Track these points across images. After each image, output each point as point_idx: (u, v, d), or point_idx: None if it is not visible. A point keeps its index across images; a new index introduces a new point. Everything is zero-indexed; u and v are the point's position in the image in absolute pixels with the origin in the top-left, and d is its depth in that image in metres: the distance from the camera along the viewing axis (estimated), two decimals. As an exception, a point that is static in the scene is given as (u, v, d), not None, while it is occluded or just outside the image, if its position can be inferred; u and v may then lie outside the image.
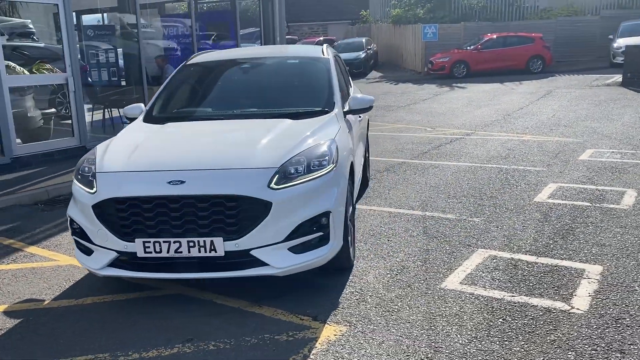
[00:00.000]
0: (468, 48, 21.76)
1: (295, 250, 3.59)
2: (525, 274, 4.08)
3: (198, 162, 3.65)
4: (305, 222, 3.57)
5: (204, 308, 3.77)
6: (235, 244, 3.45)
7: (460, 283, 3.98)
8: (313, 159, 3.78)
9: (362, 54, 24.43)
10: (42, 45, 12.32)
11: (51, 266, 4.73)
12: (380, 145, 9.81)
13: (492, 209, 5.71)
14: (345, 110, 4.81)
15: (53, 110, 8.88)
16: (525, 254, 4.46)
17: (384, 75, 24.46)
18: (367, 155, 7.07)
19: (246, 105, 4.80)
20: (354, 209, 4.62)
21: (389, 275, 4.16)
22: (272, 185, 3.50)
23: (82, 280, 4.36)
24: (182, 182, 3.47)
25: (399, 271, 4.24)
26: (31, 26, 12.69)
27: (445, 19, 24.08)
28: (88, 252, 3.77)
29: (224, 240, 3.44)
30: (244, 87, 5.12)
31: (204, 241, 3.43)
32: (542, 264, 4.25)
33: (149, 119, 4.75)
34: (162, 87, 5.16)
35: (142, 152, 3.89)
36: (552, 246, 4.60)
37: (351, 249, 4.36)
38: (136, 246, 3.50)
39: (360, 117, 5.58)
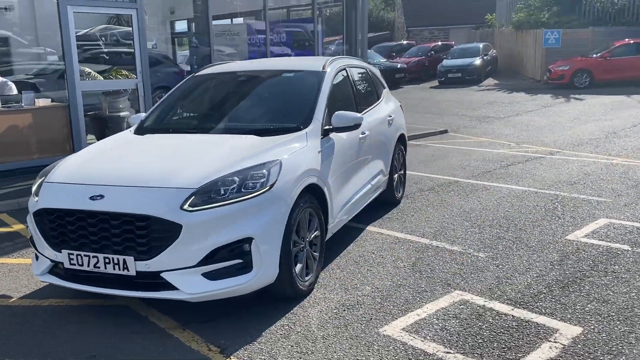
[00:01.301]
0: (594, 55, 19.74)
1: (210, 276, 3.41)
2: (484, 327, 3.53)
3: (121, 178, 3.61)
4: (221, 247, 3.39)
5: (134, 325, 3.73)
6: (146, 265, 3.36)
7: (403, 329, 3.54)
8: (248, 179, 3.59)
9: (476, 60, 23.23)
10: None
11: (46, 264, 5.00)
12: (446, 160, 9.21)
13: (509, 244, 5.05)
14: (327, 127, 4.52)
15: (126, 113, 9.48)
16: (504, 303, 3.86)
17: (499, 82, 23.04)
18: (401, 172, 6.66)
19: (227, 120, 4.71)
20: (323, 233, 4.31)
21: (335, 311, 3.83)
22: (186, 206, 3.36)
23: (56, 281, 4.54)
24: (102, 196, 3.47)
25: (350, 307, 3.88)
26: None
27: (572, 24, 22.07)
28: (37, 257, 3.92)
29: (135, 260, 3.37)
30: (231, 101, 5.03)
31: (118, 259, 3.40)
32: (513, 316, 3.65)
33: (138, 129, 4.84)
34: (163, 97, 5.25)
35: (88, 164, 3.96)
36: (542, 296, 3.94)
37: (309, 277, 4.09)
38: (63, 257, 3.57)
39: (365, 132, 5.23)
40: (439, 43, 28.44)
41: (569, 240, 5.11)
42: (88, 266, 3.49)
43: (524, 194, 6.84)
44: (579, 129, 12.18)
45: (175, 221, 3.31)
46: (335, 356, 3.25)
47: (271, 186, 3.60)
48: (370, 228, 5.66)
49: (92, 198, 3.48)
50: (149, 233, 3.35)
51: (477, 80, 23.00)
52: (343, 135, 4.77)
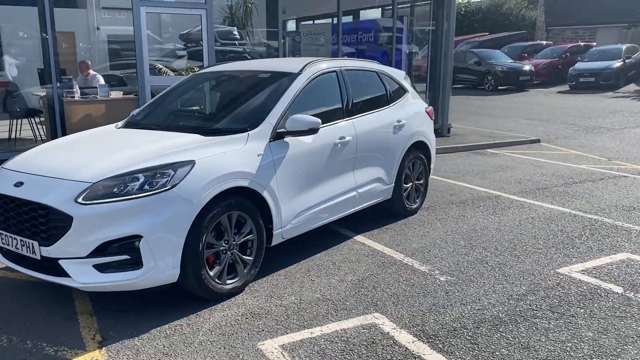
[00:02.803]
0: None
1: (100, 268, 3.52)
2: (364, 356, 3.22)
3: (44, 168, 3.84)
4: (110, 241, 3.48)
5: (57, 305, 3.91)
6: (47, 251, 3.57)
7: (281, 346, 3.36)
8: (156, 177, 3.64)
9: (615, 64, 20.84)
10: (240, 49, 13.92)
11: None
12: (509, 172, 8.48)
13: (484, 270, 4.54)
14: (281, 130, 4.42)
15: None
16: (412, 333, 3.49)
17: (640, 90, 20.49)
18: (419, 182, 6.29)
19: (187, 118, 4.83)
20: (262, 238, 4.22)
21: (239, 318, 3.74)
22: (80, 199, 3.50)
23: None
24: (22, 184, 3.76)
25: (256, 315, 3.77)
26: (235, 33, 14.39)
27: None
28: None
29: (39, 245, 3.60)
30: (203, 99, 5.10)
31: (28, 242, 3.65)
32: (407, 349, 3.28)
33: (125, 123, 5.13)
34: (161, 93, 5.50)
35: (39, 153, 4.29)
36: (461, 332, 3.49)
37: (234, 281, 4.05)
38: (-3, 236, 3.93)
39: (345, 137, 5.01)
40: (580, 44, 25.97)
41: (558, 273, 4.46)
42: (11, 246, 3.81)
43: (558, 216, 6.08)
44: (699, 146, 10.47)
45: (68, 212, 3.48)
46: (192, 363, 3.21)
47: (173, 186, 3.62)
48: (358, 237, 5.43)
49: (15, 185, 3.78)
50: (48, 222, 3.56)
51: (613, 85, 20.68)
52: (306, 139, 4.62)
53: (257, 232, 4.21)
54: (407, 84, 6.42)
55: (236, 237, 4.08)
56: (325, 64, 5.20)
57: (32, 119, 9.78)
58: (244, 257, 4.17)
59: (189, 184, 3.69)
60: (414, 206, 6.25)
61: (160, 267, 3.61)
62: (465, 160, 9.59)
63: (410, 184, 6.19)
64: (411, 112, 6.16)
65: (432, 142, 6.52)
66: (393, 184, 5.86)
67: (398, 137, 5.84)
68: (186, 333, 3.55)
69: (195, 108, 5.11)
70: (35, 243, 3.62)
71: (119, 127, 4.99)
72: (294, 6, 17.32)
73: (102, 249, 3.51)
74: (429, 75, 11.94)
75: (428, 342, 3.38)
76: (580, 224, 5.82)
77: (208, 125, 4.54)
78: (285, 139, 4.46)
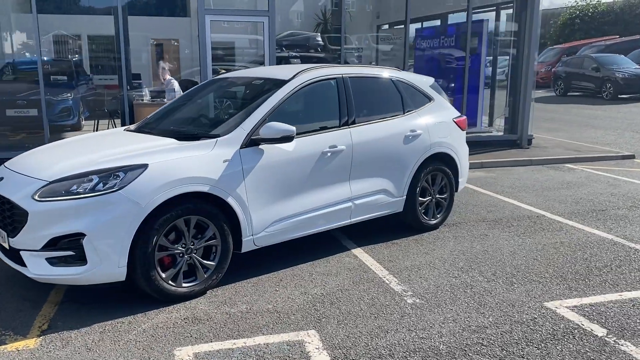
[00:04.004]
0: None
1: (51, 261, 3.74)
2: (265, 374, 3.12)
3: (24, 166, 4.16)
4: (59, 237, 3.68)
5: (33, 293, 4.18)
6: (13, 242, 3.87)
7: (195, 354, 3.34)
8: (110, 179, 3.80)
9: None
10: (322, 55, 14.03)
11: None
12: (573, 190, 7.74)
13: (463, 296, 4.17)
14: (256, 137, 4.40)
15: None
16: (332, 357, 3.29)
17: None
18: (440, 196, 5.94)
19: (174, 122, 4.97)
20: (228, 244, 4.23)
21: (178, 321, 3.77)
22: (36, 196, 3.74)
23: None
24: (2, 179, 4.11)
25: (195, 320, 3.78)
26: (319, 39, 14.51)
27: None
28: None
29: (7, 236, 3.92)
30: (199, 105, 5.18)
31: (2, 232, 3.99)
32: (311, 373, 3.12)
33: (135, 126, 5.41)
34: (174, 99, 5.72)
35: (37, 151, 4.65)
36: (391, 355, 3.25)
37: (191, 284, 4.11)
38: (-20, 224, 4.31)
39: (337, 146, 4.86)
40: None
41: (543, 306, 3.97)
42: (-10, 236, 4.19)
43: (593, 243, 5.41)
44: None
45: (24, 207, 3.74)
46: (104, 361, 3.30)
47: (120, 188, 3.75)
48: (355, 250, 5.24)
49: (-2, 179, 4.16)
50: (13, 215, 3.87)
51: None
52: (286, 147, 4.55)
53: (221, 238, 4.23)
54: (432, 91, 6.08)
55: (196, 242, 4.14)
56: (323, 71, 5.09)
57: (113, 119, 10.68)
58: (206, 261, 4.21)
59: (138, 186, 3.81)
60: (433, 222, 5.90)
61: (106, 265, 3.75)
62: (533, 175, 8.86)
63: (429, 198, 5.85)
64: (432, 121, 5.82)
65: (460, 154, 6.10)
66: (404, 197, 5.58)
67: (411, 147, 5.55)
68: (121, 331, 3.66)
69: (190, 113, 5.25)
70: (5, 234, 3.95)
71: (130, 130, 5.26)
72: (387, 11, 17.12)
73: (52, 244, 3.74)
74: (509, 82, 11.20)
75: (342, 367, 3.19)
76: (614, 253, 5.13)
77: (190, 130, 4.65)
78: (261, 146, 4.44)
